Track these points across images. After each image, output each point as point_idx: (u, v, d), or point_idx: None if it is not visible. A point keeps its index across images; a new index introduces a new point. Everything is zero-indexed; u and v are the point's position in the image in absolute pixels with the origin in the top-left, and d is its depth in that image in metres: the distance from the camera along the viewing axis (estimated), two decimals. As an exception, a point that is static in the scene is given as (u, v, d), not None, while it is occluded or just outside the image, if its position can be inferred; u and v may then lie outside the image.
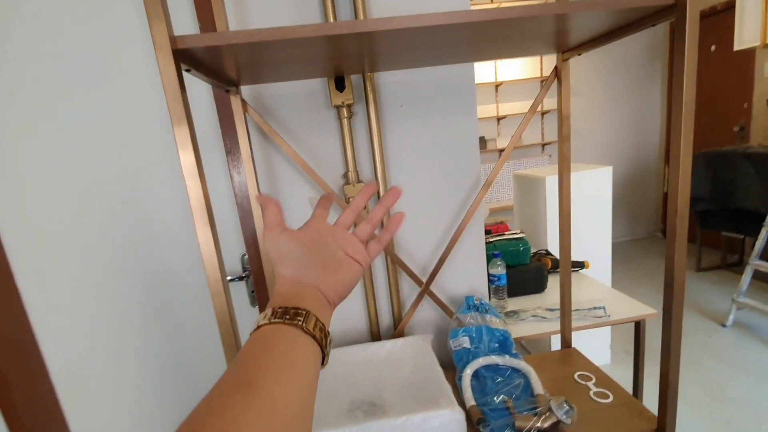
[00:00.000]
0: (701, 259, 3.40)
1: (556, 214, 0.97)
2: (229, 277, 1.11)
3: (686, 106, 0.57)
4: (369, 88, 0.94)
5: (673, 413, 0.69)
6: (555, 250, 1.90)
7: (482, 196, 1.03)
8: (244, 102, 0.87)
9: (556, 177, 0.96)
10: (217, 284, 0.57)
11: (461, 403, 0.82)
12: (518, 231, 1.71)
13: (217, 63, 0.63)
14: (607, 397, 0.84)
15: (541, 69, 4.13)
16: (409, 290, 1.09)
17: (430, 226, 1.06)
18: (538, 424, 0.74)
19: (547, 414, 0.75)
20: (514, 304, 1.50)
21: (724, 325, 2.55)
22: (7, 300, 1.02)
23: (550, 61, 4.03)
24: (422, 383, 0.85)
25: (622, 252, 4.10)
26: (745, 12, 2.70)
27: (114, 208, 1.06)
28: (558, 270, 1.01)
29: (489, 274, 1.41)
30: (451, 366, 0.97)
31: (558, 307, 1.04)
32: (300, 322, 0.36)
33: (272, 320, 0.37)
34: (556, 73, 0.90)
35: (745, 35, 2.71)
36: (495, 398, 0.84)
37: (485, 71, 4.05)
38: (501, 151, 4.24)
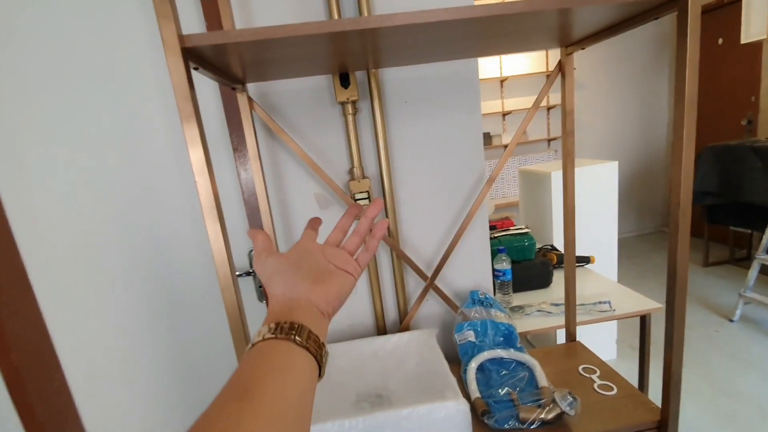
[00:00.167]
0: (709, 254, 3.37)
1: (561, 210, 0.97)
2: (237, 273, 1.12)
3: (689, 99, 0.57)
4: (373, 85, 0.95)
5: (676, 404, 0.70)
6: (561, 246, 1.90)
7: (486, 192, 1.04)
8: (250, 99, 0.88)
9: (562, 172, 0.97)
10: (226, 279, 0.58)
11: (466, 395, 0.83)
12: (523, 226, 1.71)
13: (223, 61, 0.64)
14: (611, 389, 0.85)
15: (547, 63, 4.10)
16: (414, 285, 1.10)
17: (434, 222, 1.07)
18: (542, 416, 0.75)
19: (551, 406, 0.76)
20: (519, 299, 1.51)
21: (731, 320, 2.54)
22: (21, 297, 1.04)
23: (556, 55, 4.00)
24: (428, 376, 0.86)
25: (628, 247, 4.08)
26: (752, 5, 2.67)
27: (123, 206, 1.08)
28: (563, 265, 1.01)
29: (494, 270, 1.41)
30: (456, 359, 0.98)
31: (563, 302, 1.05)
32: (293, 336, 0.37)
33: (266, 337, 0.37)
34: (560, 67, 0.90)
35: (752, 28, 2.68)
36: (500, 390, 0.85)
37: (490, 66, 4.03)
38: (506, 146, 4.22)
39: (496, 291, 1.43)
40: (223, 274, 0.58)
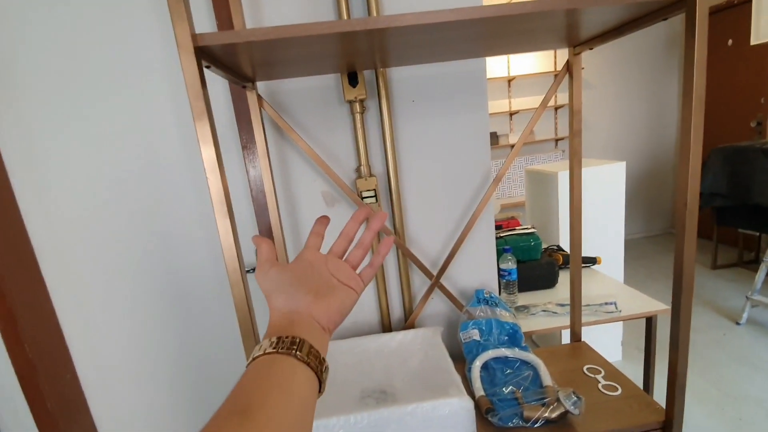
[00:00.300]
0: (717, 256, 3.34)
1: (568, 210, 0.97)
2: (246, 269, 1.14)
3: (696, 100, 0.57)
4: (381, 84, 0.95)
5: (681, 405, 0.70)
6: (567, 246, 1.89)
7: (492, 191, 1.04)
8: (259, 97, 0.89)
9: (569, 172, 0.97)
10: (235, 274, 0.59)
11: (470, 393, 0.83)
12: (529, 226, 1.71)
13: (234, 59, 0.65)
14: (616, 389, 0.85)
15: (555, 63, 4.08)
16: (420, 283, 1.11)
17: (440, 221, 1.08)
18: (546, 414, 0.75)
19: (556, 404, 0.76)
20: (524, 299, 1.51)
21: (738, 323, 2.52)
22: (34, 292, 1.06)
23: (564, 55, 3.98)
24: (432, 373, 0.86)
25: (635, 249, 4.05)
26: (762, 6, 2.63)
27: (134, 203, 1.10)
28: (569, 265, 1.02)
29: (499, 269, 1.42)
30: (460, 358, 0.99)
31: (568, 302, 1.05)
32: (294, 351, 0.37)
33: (267, 351, 0.37)
34: (568, 67, 0.90)
35: (762, 29, 2.65)
36: (504, 389, 0.85)
37: (498, 66, 4.02)
38: (513, 146, 4.21)
39: (501, 290, 1.43)
40: (232, 270, 0.59)
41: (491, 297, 1.04)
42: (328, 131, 1.00)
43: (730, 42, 3.47)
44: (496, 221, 1.70)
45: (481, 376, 0.90)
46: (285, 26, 0.53)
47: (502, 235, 1.64)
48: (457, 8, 0.55)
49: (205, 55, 0.57)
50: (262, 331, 0.49)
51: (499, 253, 1.37)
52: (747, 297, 2.50)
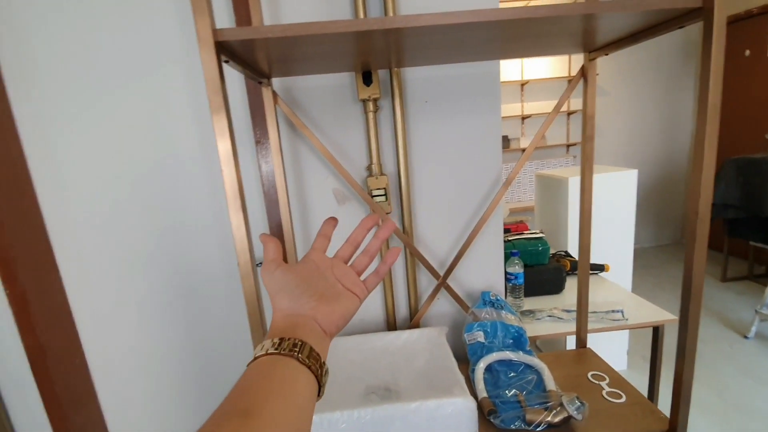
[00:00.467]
0: (727, 268, 3.30)
1: (577, 216, 0.97)
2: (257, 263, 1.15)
3: (711, 109, 0.57)
4: (395, 83, 0.96)
5: (685, 414, 0.70)
6: (575, 252, 1.89)
7: (502, 194, 1.04)
8: (274, 94, 0.90)
9: (579, 178, 0.96)
10: (246, 266, 0.60)
11: (473, 394, 0.83)
12: (538, 231, 1.71)
13: (252, 55, 0.66)
14: (620, 397, 0.84)
15: (569, 68, 4.06)
16: (426, 283, 1.11)
17: (449, 221, 1.08)
18: (549, 419, 0.75)
19: (559, 409, 0.76)
20: (530, 303, 1.50)
21: (746, 337, 2.49)
22: (48, 278, 1.08)
23: (578, 60, 3.96)
24: (436, 372, 0.87)
25: (644, 258, 4.01)
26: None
27: (149, 195, 1.12)
28: (577, 272, 1.01)
29: (506, 273, 1.41)
30: (464, 359, 0.99)
31: (575, 308, 1.04)
32: (296, 354, 0.37)
33: (269, 351, 0.37)
34: (583, 72, 0.90)
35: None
36: (507, 392, 0.86)
37: (511, 69, 4.01)
38: (524, 150, 4.19)
39: (508, 294, 1.43)
40: (243, 262, 0.60)
41: (497, 300, 1.04)
42: (341, 129, 1.01)
43: (747, 52, 3.42)
44: (504, 225, 1.70)
45: (484, 377, 0.90)
46: (303, 24, 0.54)
47: (510, 238, 1.64)
48: (475, 9, 0.55)
49: (224, 50, 0.58)
50: (269, 322, 0.49)
51: (507, 256, 1.37)
52: (756, 311, 2.47)
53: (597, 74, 3.82)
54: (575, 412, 0.75)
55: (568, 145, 4.34)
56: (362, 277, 0.49)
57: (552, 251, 1.71)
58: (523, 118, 4.20)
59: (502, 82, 3.95)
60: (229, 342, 1.23)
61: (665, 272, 3.64)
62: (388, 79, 0.97)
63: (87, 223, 1.11)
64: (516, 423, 0.77)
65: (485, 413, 0.79)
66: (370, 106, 0.97)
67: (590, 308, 1.14)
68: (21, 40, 0.99)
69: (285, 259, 0.99)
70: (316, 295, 0.43)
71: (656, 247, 4.38)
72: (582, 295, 1.00)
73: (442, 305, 1.12)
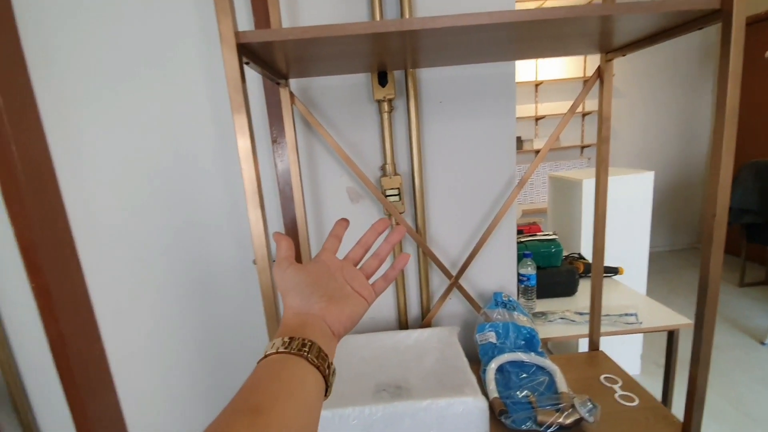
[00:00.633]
0: (745, 273, 3.23)
1: (591, 218, 0.96)
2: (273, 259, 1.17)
3: (729, 111, 0.57)
4: (410, 84, 0.97)
5: (698, 420, 0.69)
6: (588, 255, 1.87)
7: (516, 195, 1.04)
8: (291, 94, 0.92)
9: (594, 180, 0.96)
10: (263, 261, 0.62)
11: (484, 394, 0.84)
12: (551, 233, 1.70)
13: (271, 56, 0.68)
14: (633, 400, 0.84)
15: (585, 69, 4.01)
16: (438, 282, 1.12)
17: (462, 222, 1.08)
18: (560, 420, 0.75)
19: (570, 411, 0.76)
20: (542, 305, 1.50)
21: (762, 343, 2.44)
22: (70, 271, 1.12)
23: (594, 60, 3.91)
24: (447, 371, 0.87)
25: (660, 262, 3.95)
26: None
27: (167, 190, 1.14)
28: (590, 275, 1.01)
29: (519, 274, 1.41)
30: (476, 359, 0.99)
31: (588, 311, 1.04)
32: (305, 353, 0.38)
33: (279, 350, 0.38)
34: (599, 73, 0.90)
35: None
36: (518, 392, 0.86)
37: (525, 70, 3.98)
38: (538, 151, 4.16)
39: (520, 296, 1.43)
40: (260, 257, 0.62)
41: (509, 300, 1.04)
42: (356, 129, 1.02)
43: (767, 54, 3.35)
44: (517, 226, 1.69)
45: (495, 378, 0.90)
46: (323, 26, 0.55)
47: (522, 240, 1.63)
48: (492, 11, 0.55)
49: (245, 51, 0.59)
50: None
51: (519, 257, 1.37)
52: (775, 317, 2.41)
53: (613, 75, 3.77)
54: (587, 414, 0.74)
55: (583, 147, 4.30)
56: (371, 280, 0.49)
57: (565, 253, 1.70)
58: (537, 119, 4.17)
59: (517, 82, 3.92)
60: (242, 334, 1.26)
61: (681, 277, 3.58)
62: (403, 79, 0.97)
63: (107, 218, 1.14)
64: (527, 424, 0.77)
65: (496, 413, 0.79)
66: (385, 106, 0.97)
67: (603, 311, 1.14)
68: (47, 37, 1.03)
69: (299, 257, 1.01)
70: (326, 296, 0.44)
71: (672, 251, 4.30)
72: (595, 297, 1.00)
73: (454, 305, 1.13)
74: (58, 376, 1.13)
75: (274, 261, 0.63)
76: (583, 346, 1.84)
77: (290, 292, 0.44)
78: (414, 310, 1.13)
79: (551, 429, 0.76)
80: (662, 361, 1.42)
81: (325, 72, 0.87)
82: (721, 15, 0.56)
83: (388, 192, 1.02)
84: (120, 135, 1.10)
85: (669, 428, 0.75)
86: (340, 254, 0.50)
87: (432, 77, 1.00)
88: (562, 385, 0.84)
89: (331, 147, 0.99)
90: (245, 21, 1.01)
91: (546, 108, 4.13)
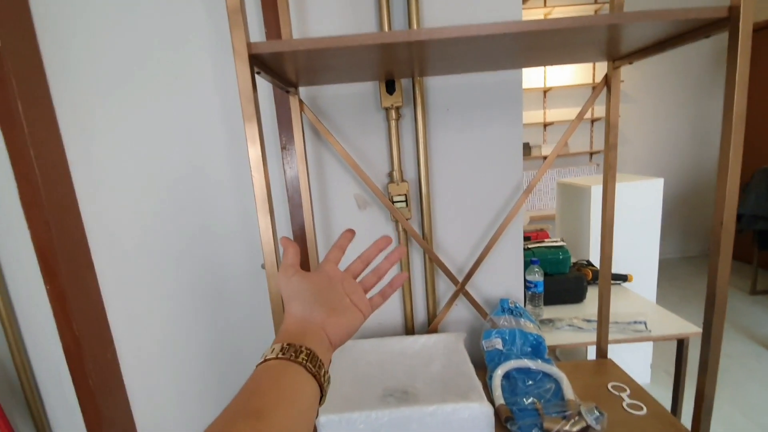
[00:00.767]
0: (757, 281, 3.18)
1: (600, 225, 0.96)
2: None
3: (737, 118, 0.57)
4: (418, 92, 0.98)
5: (706, 429, 0.68)
6: (597, 262, 1.86)
7: (522, 201, 1.04)
8: (301, 102, 0.93)
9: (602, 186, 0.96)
10: (272, 267, 0.63)
11: (490, 400, 0.84)
12: (559, 239, 1.69)
13: (281, 66, 0.69)
14: (641, 409, 0.83)
15: (594, 75, 4.00)
16: (445, 288, 1.12)
17: (469, 228, 1.09)
18: (567, 428, 0.75)
19: (577, 418, 0.76)
20: (550, 312, 1.49)
21: (775, 352, 2.40)
22: (84, 276, 1.14)
23: (602, 67, 3.90)
24: (454, 377, 0.87)
25: (670, 269, 3.90)
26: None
27: (180, 196, 1.17)
28: (598, 281, 1.00)
29: (526, 281, 1.41)
30: (482, 366, 0.99)
31: (596, 318, 1.03)
32: (304, 361, 0.39)
33: (279, 355, 0.39)
34: (606, 80, 0.90)
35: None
36: (525, 399, 0.85)
37: (533, 76, 3.98)
38: (546, 158, 4.14)
39: (527, 302, 1.42)
40: (270, 263, 0.63)
41: (516, 307, 1.04)
42: (364, 136, 1.03)
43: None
44: (524, 233, 1.69)
45: (502, 384, 0.90)
46: (332, 37, 0.57)
47: (530, 246, 1.63)
48: (499, 22, 0.56)
49: (257, 61, 0.61)
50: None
51: (527, 264, 1.36)
52: (789, 326, 2.37)
53: (622, 81, 3.76)
54: (594, 422, 0.74)
55: (591, 153, 4.27)
56: (369, 295, 0.51)
57: (573, 260, 1.69)
58: (545, 125, 4.16)
59: (524, 89, 3.93)
60: (253, 339, 1.27)
61: (691, 285, 3.53)
62: (411, 87, 0.99)
63: (121, 224, 1.16)
64: (533, 431, 0.77)
65: (502, 420, 0.79)
66: (393, 114, 0.99)
67: (612, 319, 1.13)
68: (64, 46, 1.06)
69: (306, 263, 1.02)
70: (327, 307, 0.46)
71: (682, 259, 4.25)
72: (603, 304, 1.00)
73: (461, 311, 1.13)
74: (71, 379, 1.15)
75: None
76: (592, 353, 1.82)
77: (293, 300, 0.46)
78: (420, 315, 1.14)
79: (558, 437, 0.75)
80: (672, 369, 1.40)
81: (333, 80, 0.88)
82: (729, 23, 0.57)
83: (395, 198, 1.03)
84: (135, 142, 1.13)
85: (677, 437, 0.75)
86: (343, 264, 0.52)
87: (439, 85, 1.01)
88: (568, 392, 0.84)
89: (339, 154, 1.00)
90: (256, 32, 1.03)
91: (554, 114, 4.13)
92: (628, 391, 0.89)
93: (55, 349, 1.14)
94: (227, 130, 1.14)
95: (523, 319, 1.02)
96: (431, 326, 1.11)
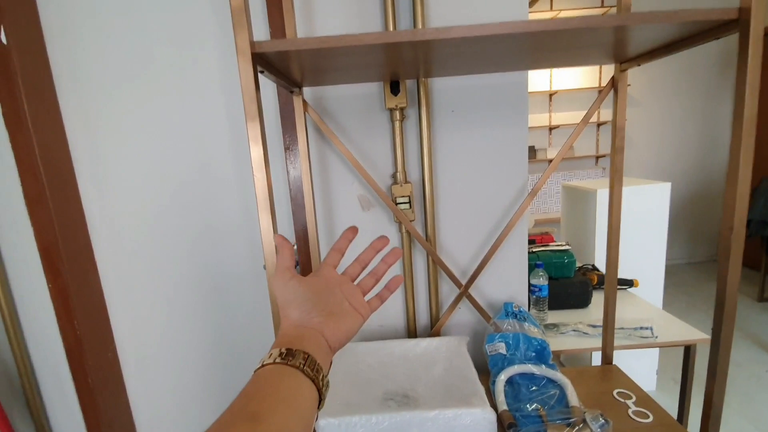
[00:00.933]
0: (765, 288, 3.14)
1: (606, 229, 0.95)
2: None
3: (747, 122, 0.56)
4: (422, 93, 0.97)
5: (716, 438, 0.67)
6: (603, 266, 1.84)
7: (527, 204, 1.03)
8: (305, 102, 0.93)
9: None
10: (273, 267, 0.62)
11: (493, 406, 0.82)
12: (564, 243, 1.67)
13: (286, 66, 0.69)
14: (647, 416, 0.82)
15: (600, 78, 3.98)
16: (448, 291, 1.11)
17: (473, 230, 1.08)
18: (571, 435, 0.74)
19: (581, 426, 0.75)
20: (554, 317, 1.48)
21: (785, 361, 2.36)
22: (87, 276, 1.14)
23: (609, 70, 3.88)
24: (456, 382, 0.86)
25: (677, 275, 3.86)
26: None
27: (184, 195, 1.17)
28: (604, 286, 0.99)
29: (530, 284, 1.39)
30: (485, 370, 0.98)
31: (601, 323, 1.02)
32: (302, 366, 0.38)
33: (277, 361, 0.39)
34: (613, 83, 0.89)
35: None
36: (528, 405, 0.84)
37: (539, 80, 3.96)
38: (551, 161, 4.12)
39: (531, 307, 1.41)
40: (270, 264, 0.62)
41: (520, 311, 1.03)
42: (368, 137, 1.03)
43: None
44: (529, 236, 1.67)
45: (505, 390, 0.89)
46: (336, 36, 0.56)
47: (534, 250, 1.62)
48: (505, 22, 0.56)
49: (261, 60, 0.60)
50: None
51: (531, 268, 1.35)
52: (798, 334, 2.34)
53: (629, 85, 3.73)
54: (599, 430, 0.73)
55: (598, 157, 4.25)
56: (367, 297, 0.51)
57: (578, 264, 1.68)
58: (551, 128, 4.14)
59: (530, 92, 3.92)
60: (255, 340, 1.26)
61: (699, 291, 3.50)
62: (415, 88, 0.98)
63: (124, 223, 1.16)
64: (536, 438, 0.75)
65: (505, 426, 0.78)
66: (397, 115, 0.98)
67: (618, 324, 1.11)
68: (71, 46, 1.06)
69: (309, 263, 1.02)
70: (325, 311, 0.45)
71: (690, 264, 4.21)
72: (609, 310, 0.98)
73: (464, 315, 1.12)
74: (72, 378, 1.15)
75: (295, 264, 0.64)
76: (597, 359, 1.80)
77: (290, 304, 0.45)
78: (423, 318, 1.13)
79: (561, 444, 0.74)
80: (679, 377, 1.38)
81: (338, 81, 0.88)
82: (738, 25, 0.56)
83: (399, 200, 1.02)
84: (139, 141, 1.13)
85: (684, 447, 0.73)
86: (341, 266, 0.51)
87: (444, 86, 1.00)
88: (573, 399, 0.83)
89: (343, 155, 1.00)
90: (262, 31, 1.03)
91: (560, 117, 4.11)
92: (634, 398, 0.88)
93: (56, 347, 1.14)
94: (232, 129, 1.14)
95: (527, 324, 1.00)
96: (434, 329, 1.10)
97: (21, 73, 0.98)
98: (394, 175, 1.04)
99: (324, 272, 0.50)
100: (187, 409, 1.29)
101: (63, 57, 1.06)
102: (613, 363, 1.02)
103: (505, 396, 0.87)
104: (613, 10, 3.69)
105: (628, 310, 1.53)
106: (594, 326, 1.36)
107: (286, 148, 1.05)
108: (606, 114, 4.05)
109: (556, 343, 1.32)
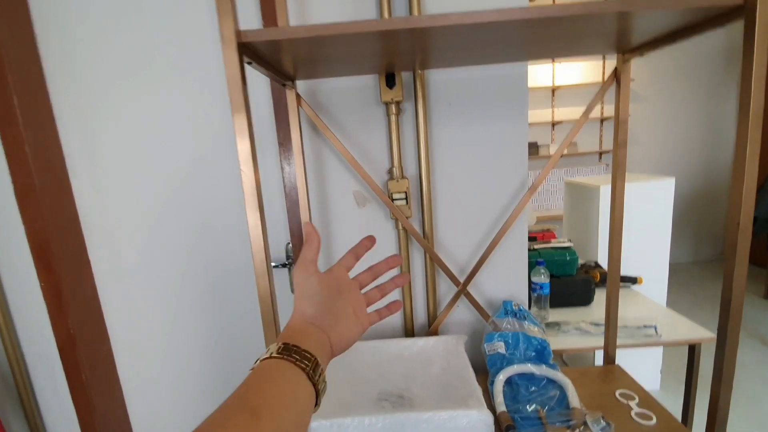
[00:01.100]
0: (772, 286, 3.10)
1: (608, 226, 0.93)
2: (273, 264, 1.16)
3: (753, 115, 0.53)
4: (419, 86, 0.95)
5: (721, 442, 0.65)
6: (605, 264, 1.81)
7: (527, 200, 1.01)
8: (298, 96, 0.91)
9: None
10: (261, 265, 0.60)
11: (491, 407, 0.81)
12: (566, 240, 1.65)
13: (277, 57, 0.67)
14: (650, 418, 0.79)
15: (603, 74, 3.94)
16: (446, 289, 1.09)
17: (471, 227, 1.05)
18: (571, 438, 0.72)
19: (582, 428, 0.72)
20: (556, 315, 1.45)
21: (792, 361, 2.32)
22: (80, 272, 1.13)
23: (612, 65, 3.84)
24: (452, 382, 0.84)
25: (681, 273, 3.82)
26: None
27: (179, 191, 1.15)
28: (606, 284, 0.97)
29: (532, 282, 1.37)
30: (483, 370, 0.96)
31: (604, 322, 1.00)
32: (304, 366, 0.39)
33: (282, 356, 0.39)
34: (616, 74, 0.86)
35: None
36: (527, 406, 0.82)
37: (542, 75, 3.92)
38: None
39: (532, 304, 1.39)
40: (258, 261, 0.60)
41: (520, 310, 1.00)
42: (363, 132, 1.00)
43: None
44: (530, 233, 1.65)
45: (503, 390, 0.87)
46: (328, 24, 0.54)
47: (536, 247, 1.60)
48: (502, 9, 0.53)
49: (248, 51, 0.58)
50: (283, 322, 0.50)
51: (532, 265, 1.33)
52: (805, 333, 2.30)
53: (632, 79, 3.69)
54: (600, 433, 0.71)
55: (600, 153, 4.21)
56: (369, 310, 0.51)
57: (581, 262, 1.65)
58: (554, 124, 4.11)
59: (532, 87, 3.89)
60: (250, 337, 1.25)
61: (703, 290, 3.46)
62: (412, 81, 0.96)
63: (118, 219, 1.15)
64: (535, 440, 0.73)
65: (503, 428, 0.76)
66: (393, 108, 0.96)
67: (621, 323, 1.09)
68: (64, 39, 1.04)
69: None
70: (336, 316, 0.46)
71: (695, 263, 4.17)
72: (611, 308, 0.96)
73: (462, 313, 1.10)
74: (65, 375, 1.14)
75: (286, 265, 0.63)
76: (599, 359, 1.78)
77: (307, 299, 0.46)
78: (420, 317, 1.10)
79: (561, 447, 0.72)
80: (683, 376, 1.36)
81: (332, 73, 0.85)
82: (744, 11, 0.53)
83: (395, 196, 1.00)
84: (133, 137, 1.11)
85: (689, 450, 0.71)
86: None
87: (441, 79, 0.97)
88: (574, 400, 0.81)
89: (338, 150, 0.98)
90: (256, 23, 1.00)
91: (563, 113, 4.07)
92: (637, 399, 0.85)
93: (49, 345, 1.12)
94: (228, 124, 1.11)
95: (527, 322, 0.98)
96: (431, 328, 1.07)
97: (10, 69, 0.96)
98: (390, 171, 1.01)
99: (337, 273, 0.50)
100: (183, 406, 1.28)
101: (55, 54, 1.05)
102: (616, 362, 1.00)
103: (504, 397, 0.85)
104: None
105: (632, 308, 1.50)
106: (597, 325, 1.34)
107: (280, 144, 1.03)
108: (609, 110, 4.00)
109: (557, 342, 1.30)
